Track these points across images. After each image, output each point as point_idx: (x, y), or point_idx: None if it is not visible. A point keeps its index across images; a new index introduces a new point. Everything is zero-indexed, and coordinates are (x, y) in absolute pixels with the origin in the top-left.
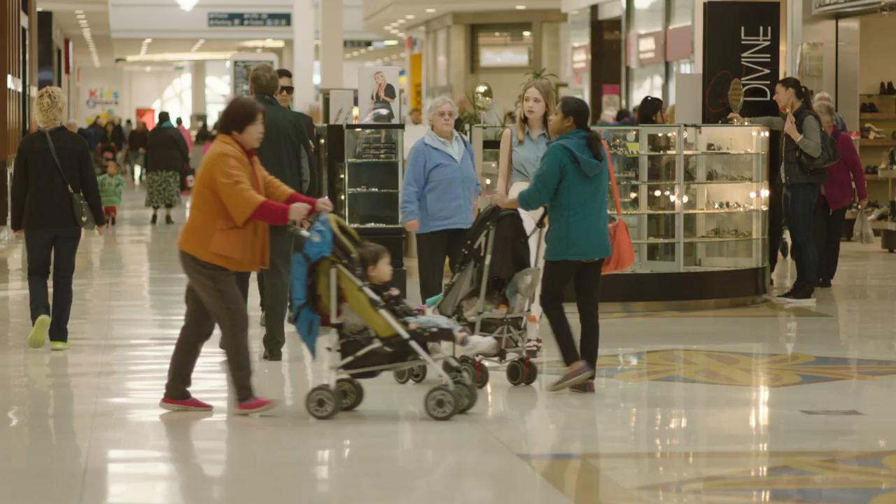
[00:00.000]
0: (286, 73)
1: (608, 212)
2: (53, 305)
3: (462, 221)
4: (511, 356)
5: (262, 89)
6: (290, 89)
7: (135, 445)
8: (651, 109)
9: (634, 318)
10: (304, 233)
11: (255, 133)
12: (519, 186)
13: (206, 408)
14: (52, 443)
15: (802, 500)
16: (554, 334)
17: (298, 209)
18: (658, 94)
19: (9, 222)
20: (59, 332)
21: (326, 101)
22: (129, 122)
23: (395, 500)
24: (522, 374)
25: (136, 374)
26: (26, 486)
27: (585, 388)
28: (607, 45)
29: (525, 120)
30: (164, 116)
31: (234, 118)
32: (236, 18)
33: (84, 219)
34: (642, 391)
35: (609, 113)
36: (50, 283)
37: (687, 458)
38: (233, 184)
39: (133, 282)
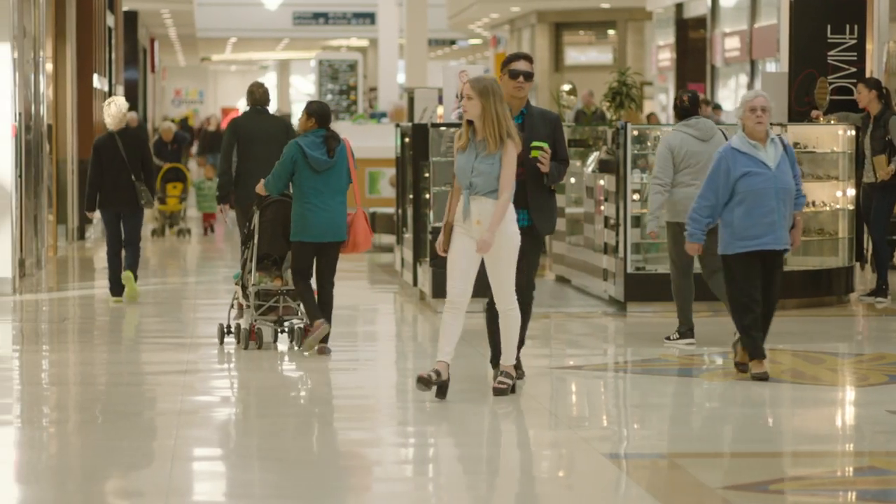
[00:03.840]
0: (525, 57)
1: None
2: (126, 265)
3: (775, 241)
4: (295, 321)
5: (256, 101)
6: (528, 75)
7: (220, 444)
8: None
9: (720, 317)
10: None
11: None
12: (477, 202)
13: None
14: (138, 441)
15: (887, 500)
16: (301, 301)
17: None
18: (744, 93)
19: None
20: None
21: (411, 101)
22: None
23: (480, 501)
24: (300, 337)
25: (221, 372)
26: (113, 485)
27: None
28: (692, 43)
29: (471, 123)
30: None
31: None
32: (321, 17)
33: (143, 200)
34: (728, 391)
35: None
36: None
37: (772, 458)
38: None
39: (220, 280)
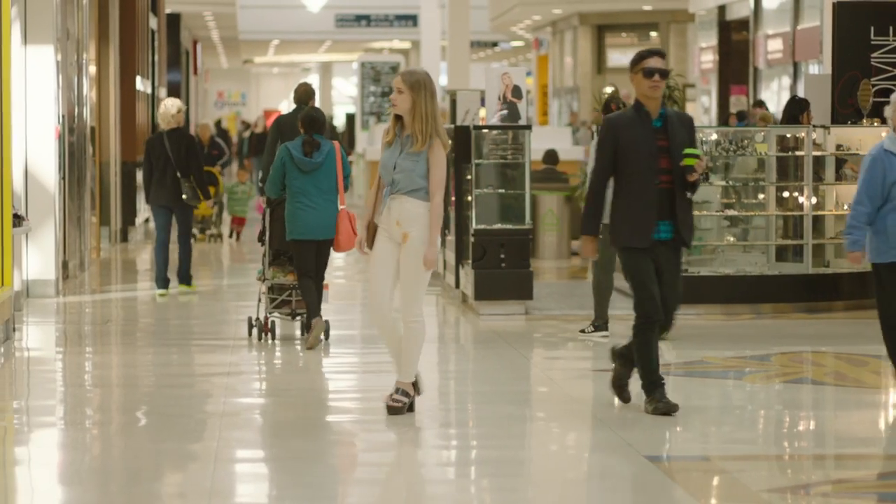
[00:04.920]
0: (658, 53)
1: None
2: (179, 259)
3: None
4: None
5: (298, 100)
6: (663, 73)
7: (262, 446)
8: (798, 109)
9: (763, 319)
10: None
11: None
12: (397, 200)
13: None
14: (181, 443)
15: None
16: (304, 298)
17: None
18: (786, 95)
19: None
20: (185, 278)
21: (453, 102)
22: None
23: None
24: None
25: (263, 374)
26: (155, 486)
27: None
28: (735, 45)
29: (399, 118)
30: None
31: None
32: (363, 20)
33: (185, 196)
34: (771, 393)
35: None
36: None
37: (815, 461)
38: None
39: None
